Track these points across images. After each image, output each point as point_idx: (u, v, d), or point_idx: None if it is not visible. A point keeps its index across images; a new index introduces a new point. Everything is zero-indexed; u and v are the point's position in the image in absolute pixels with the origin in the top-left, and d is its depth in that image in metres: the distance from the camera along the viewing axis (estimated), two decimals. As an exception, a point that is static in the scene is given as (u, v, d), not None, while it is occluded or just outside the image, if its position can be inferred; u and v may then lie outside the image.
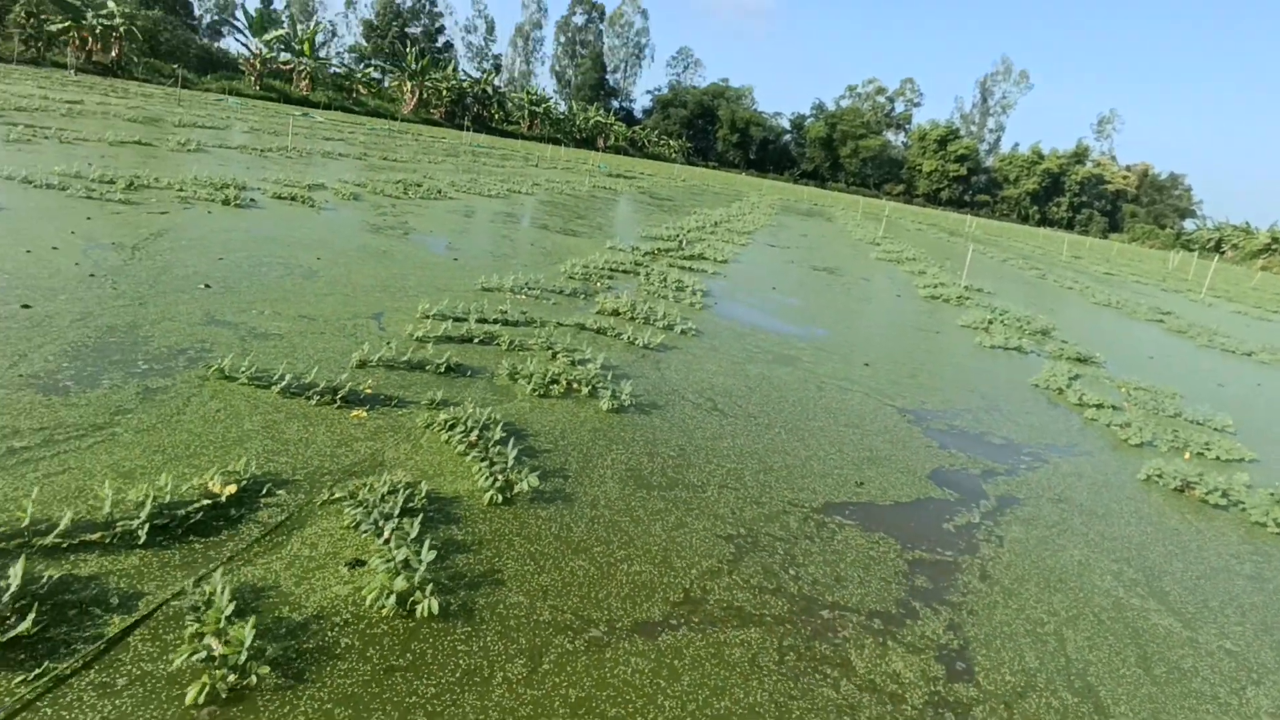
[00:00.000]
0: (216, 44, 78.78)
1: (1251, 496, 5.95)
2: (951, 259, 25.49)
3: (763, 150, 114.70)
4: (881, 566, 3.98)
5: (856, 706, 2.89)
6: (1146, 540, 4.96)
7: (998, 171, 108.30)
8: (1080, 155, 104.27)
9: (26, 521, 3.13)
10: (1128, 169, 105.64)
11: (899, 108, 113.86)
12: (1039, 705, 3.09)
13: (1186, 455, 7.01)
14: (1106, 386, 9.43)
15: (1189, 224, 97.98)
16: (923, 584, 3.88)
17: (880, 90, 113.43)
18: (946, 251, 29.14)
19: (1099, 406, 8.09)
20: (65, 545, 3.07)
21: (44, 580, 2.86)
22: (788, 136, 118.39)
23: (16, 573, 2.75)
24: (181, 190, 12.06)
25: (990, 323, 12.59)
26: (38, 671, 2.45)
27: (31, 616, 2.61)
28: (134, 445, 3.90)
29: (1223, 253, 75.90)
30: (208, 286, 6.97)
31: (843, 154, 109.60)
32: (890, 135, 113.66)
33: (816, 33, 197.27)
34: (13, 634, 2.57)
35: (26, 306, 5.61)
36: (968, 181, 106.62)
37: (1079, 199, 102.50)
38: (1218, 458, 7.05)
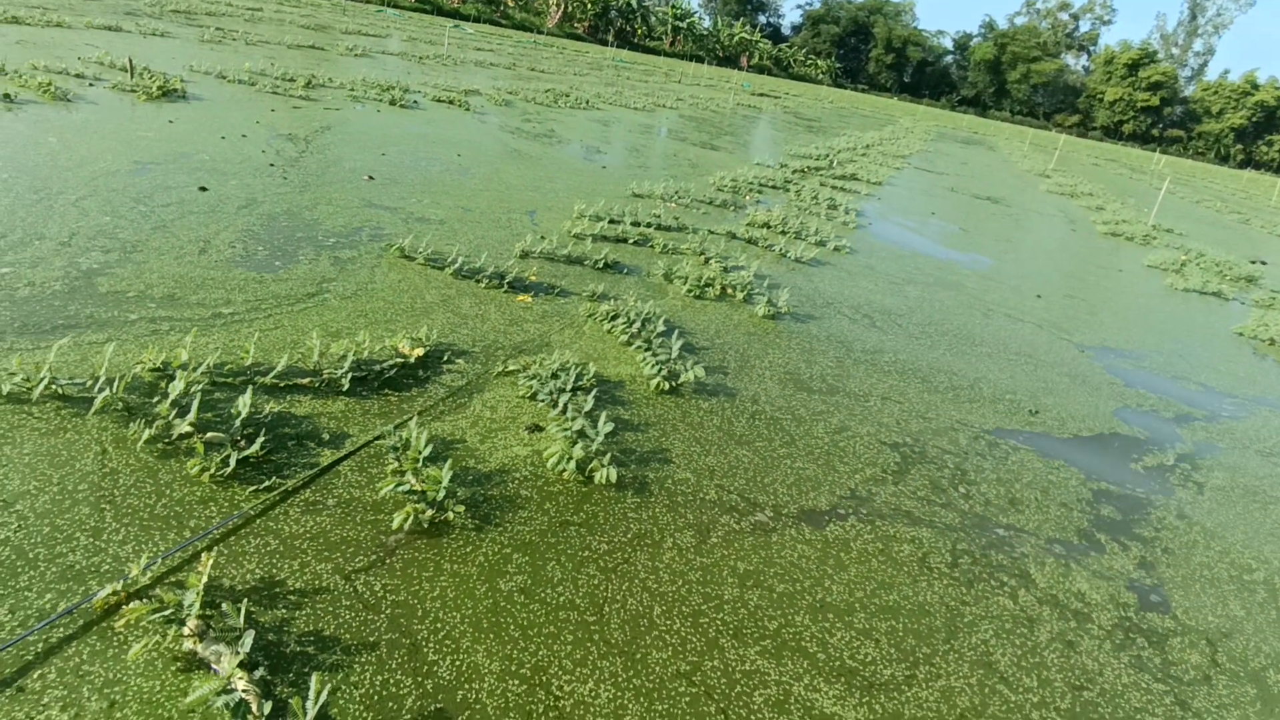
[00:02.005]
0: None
1: None
2: (1134, 196, 22.85)
3: (919, 73, 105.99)
4: (1061, 493, 3.72)
5: (1036, 620, 2.75)
6: (1377, 505, 4.36)
7: (1197, 103, 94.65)
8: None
9: (249, 362, 3.46)
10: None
11: (1084, 26, 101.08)
12: (1245, 649, 2.82)
13: None
14: (1326, 341, 8.23)
15: None
16: (1109, 516, 3.60)
17: (1064, 5, 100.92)
18: (1128, 189, 26.13)
19: (1318, 361, 7.09)
20: (282, 385, 3.39)
21: (266, 413, 3.17)
22: (949, 58, 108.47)
23: (245, 401, 3.06)
24: (353, 90, 12.66)
25: (1184, 264, 11.24)
26: (267, 484, 2.73)
27: (260, 441, 2.90)
28: (340, 309, 4.22)
29: None
30: (371, 178, 7.30)
31: (1010, 79, 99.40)
32: (1069, 59, 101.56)
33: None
34: (245, 454, 2.87)
35: (203, 188, 6.06)
36: (1159, 113, 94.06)
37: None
38: None
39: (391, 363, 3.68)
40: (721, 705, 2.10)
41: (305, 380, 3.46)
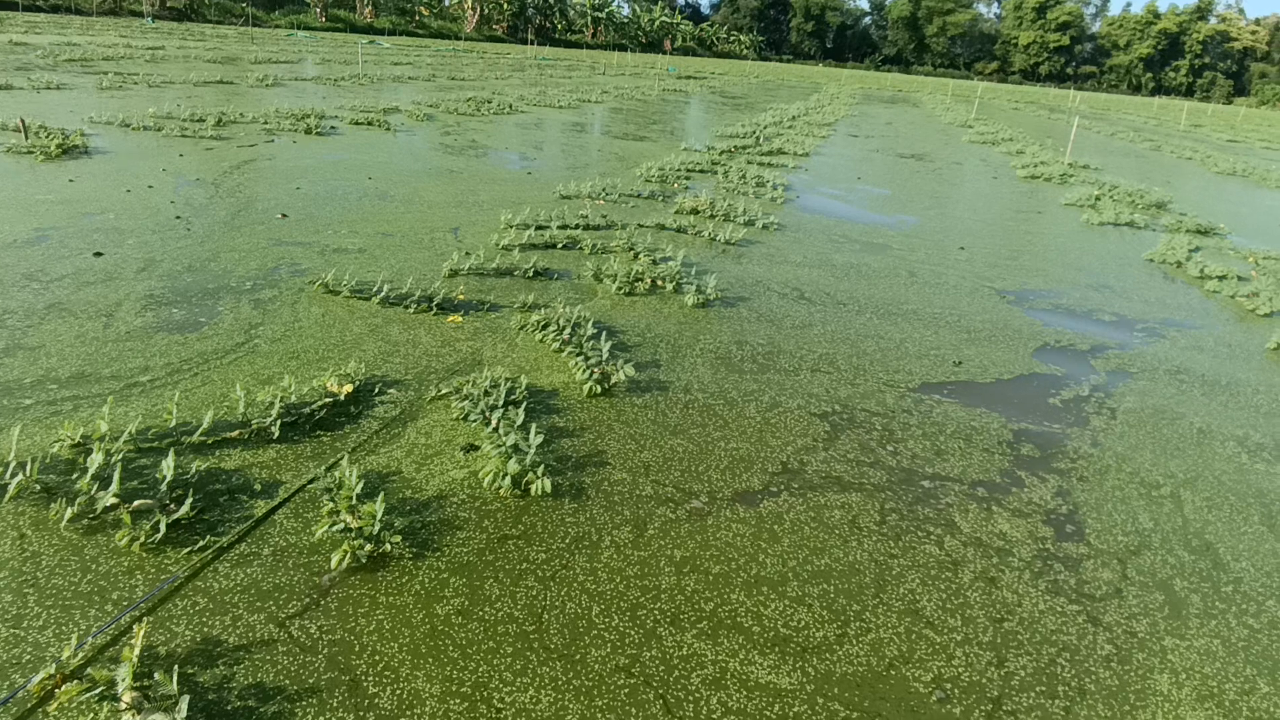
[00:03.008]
0: (280, -21, 78.85)
1: (1402, 360, 5.44)
2: (1053, 137, 23.58)
3: (840, 37, 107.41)
4: (984, 439, 3.91)
5: (960, 562, 2.91)
6: (1276, 408, 4.65)
7: (1105, 38, 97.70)
8: (1203, 10, 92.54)
9: (174, 423, 3.44)
10: (1257, 23, 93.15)
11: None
12: (1154, 561, 3.02)
13: (1325, 322, 6.43)
14: (1231, 258, 8.68)
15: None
16: (1029, 454, 3.79)
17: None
18: (1047, 130, 26.95)
19: (1222, 278, 7.48)
20: (210, 442, 3.38)
21: (194, 472, 3.16)
22: (867, 19, 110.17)
23: (169, 464, 3.04)
24: (266, 123, 12.42)
25: (1098, 199, 11.69)
26: (201, 544, 2.74)
27: (189, 502, 2.89)
28: (270, 354, 4.20)
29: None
30: (285, 216, 7.12)
31: (929, 33, 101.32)
32: (982, 8, 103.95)
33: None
34: (175, 517, 2.86)
35: (98, 254, 5.97)
36: (1071, 52, 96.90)
37: (1200, 61, 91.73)
38: (1363, 323, 6.45)
39: (321, 403, 3.68)
40: (660, 691, 2.20)
41: (234, 433, 3.45)
